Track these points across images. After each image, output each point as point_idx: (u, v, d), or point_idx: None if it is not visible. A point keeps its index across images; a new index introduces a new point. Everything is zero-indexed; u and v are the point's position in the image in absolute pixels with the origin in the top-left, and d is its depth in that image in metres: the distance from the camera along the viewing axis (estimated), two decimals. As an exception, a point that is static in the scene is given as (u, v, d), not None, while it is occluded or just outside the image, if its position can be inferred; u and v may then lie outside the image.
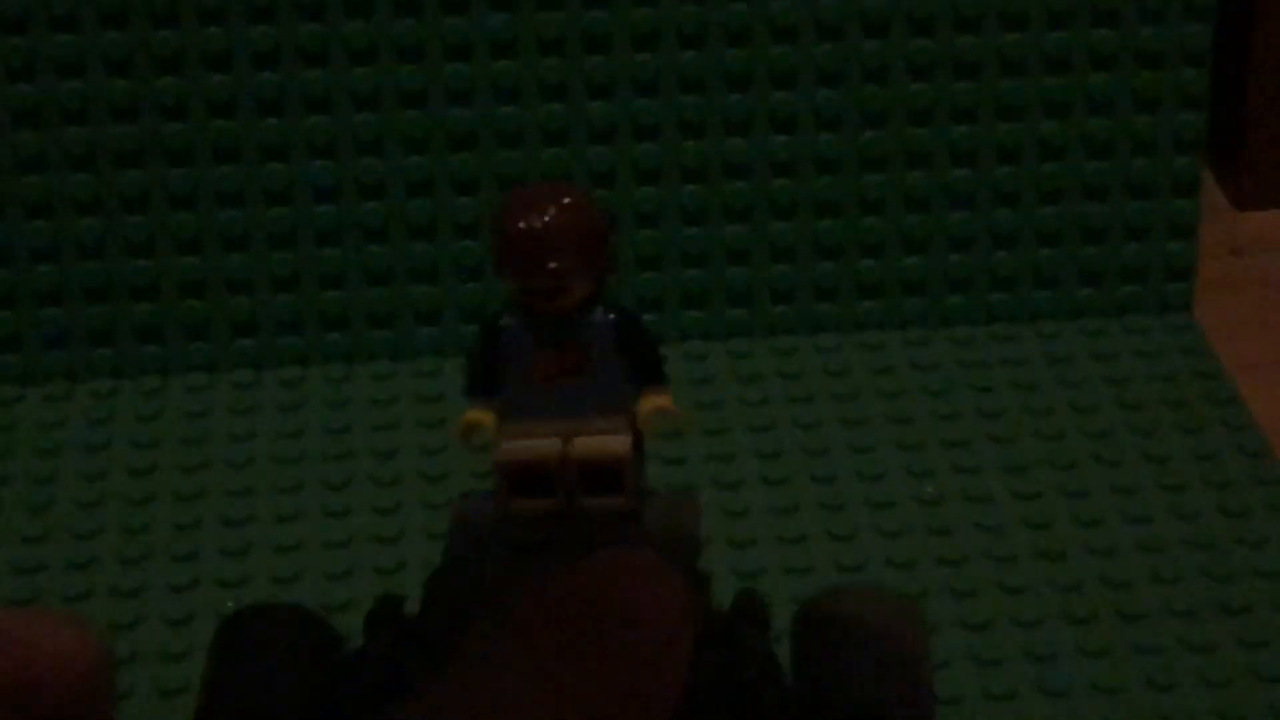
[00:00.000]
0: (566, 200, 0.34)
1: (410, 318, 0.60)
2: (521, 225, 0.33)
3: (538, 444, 0.35)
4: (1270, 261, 0.69)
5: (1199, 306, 0.64)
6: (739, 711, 0.34)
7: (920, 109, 0.59)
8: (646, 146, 0.59)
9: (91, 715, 0.37)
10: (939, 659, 0.47)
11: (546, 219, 0.33)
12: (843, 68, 0.58)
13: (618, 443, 0.35)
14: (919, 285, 0.62)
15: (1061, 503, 0.55)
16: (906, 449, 0.56)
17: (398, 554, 0.52)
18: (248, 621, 0.37)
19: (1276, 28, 0.69)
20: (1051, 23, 0.60)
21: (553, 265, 0.33)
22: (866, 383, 0.60)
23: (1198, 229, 0.62)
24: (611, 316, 0.35)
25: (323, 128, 0.58)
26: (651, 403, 0.35)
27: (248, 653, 0.37)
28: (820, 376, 0.60)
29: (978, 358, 0.62)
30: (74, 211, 0.58)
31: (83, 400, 0.59)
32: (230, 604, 0.49)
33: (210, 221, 0.59)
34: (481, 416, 0.35)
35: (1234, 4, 0.65)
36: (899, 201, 0.60)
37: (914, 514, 0.53)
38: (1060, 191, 0.62)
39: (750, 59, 0.58)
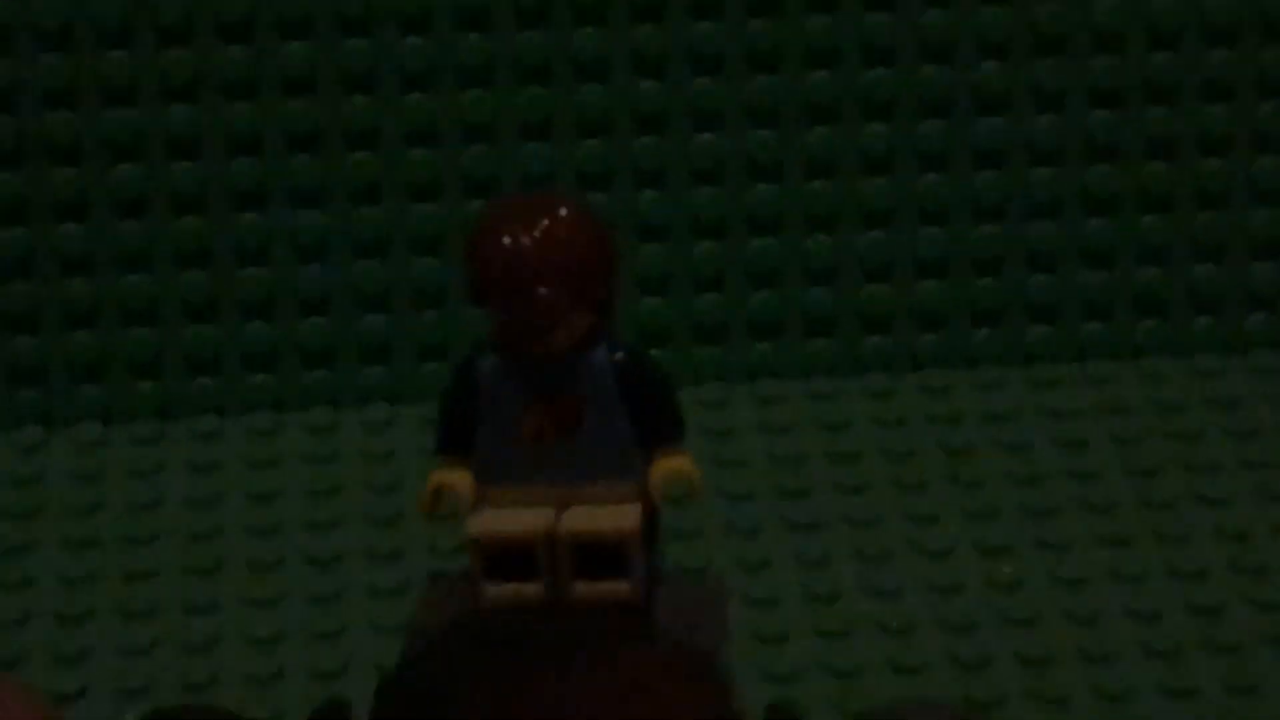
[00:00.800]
0: (562, 212, 0.32)
1: (354, 353, 0.55)
2: (505, 244, 0.31)
3: (522, 515, 0.33)
4: None
5: None
6: None
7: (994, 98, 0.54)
8: (648, 141, 0.54)
9: None
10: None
11: (536, 236, 0.31)
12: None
13: (622, 515, 0.32)
14: (993, 314, 0.56)
15: (1170, 585, 0.48)
16: (977, 519, 0.50)
17: (339, 653, 0.46)
18: None
19: None
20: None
21: (542, 293, 0.31)
22: (924, 433, 0.53)
23: None
24: (618, 356, 0.33)
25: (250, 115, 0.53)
26: (666, 465, 0.33)
27: None
28: (868, 427, 0.54)
29: (1067, 404, 0.56)
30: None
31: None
32: (130, 716, 0.44)
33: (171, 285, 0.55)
34: (454, 479, 0.33)
35: None
36: (967, 215, 0.55)
37: (987, 600, 0.47)
38: (1186, 220, 0.56)
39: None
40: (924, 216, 0.58)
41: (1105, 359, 0.60)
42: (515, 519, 0.33)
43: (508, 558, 0.33)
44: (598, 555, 0.33)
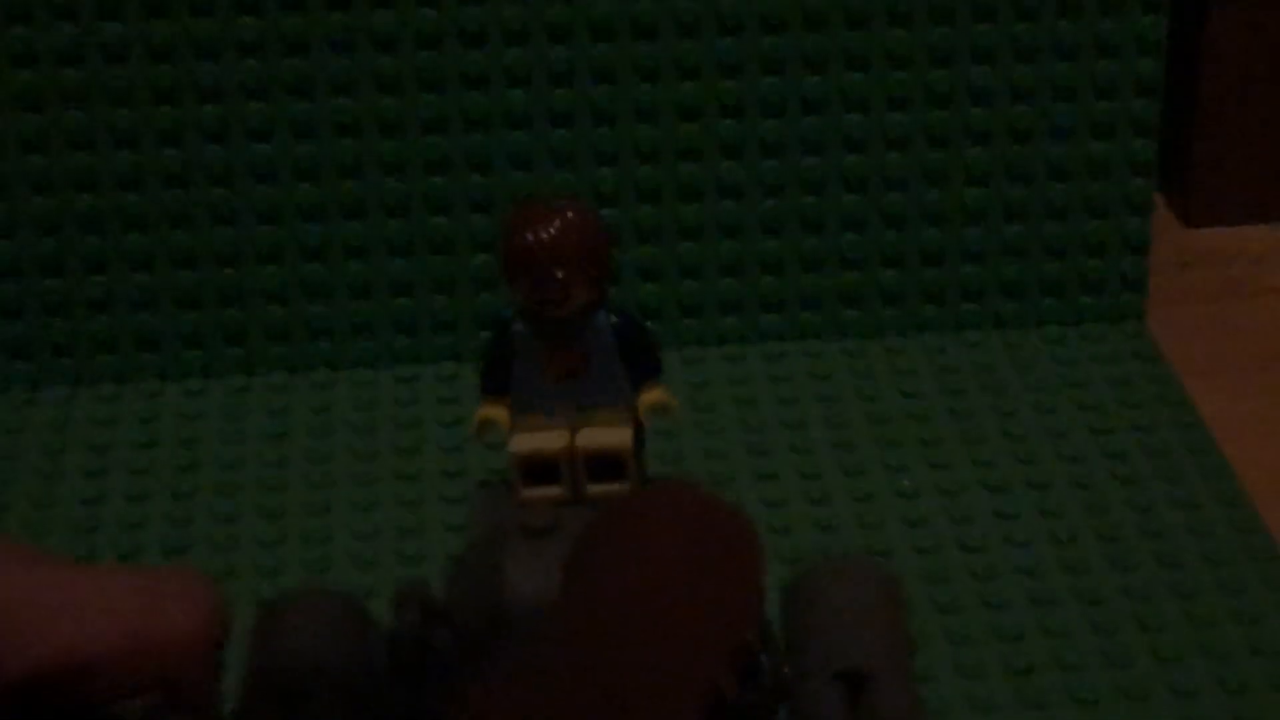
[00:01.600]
0: (570, 214, 0.34)
1: (430, 326, 0.60)
2: (529, 238, 0.33)
3: (546, 437, 0.35)
4: (1214, 274, 0.69)
5: (1150, 316, 0.64)
6: (743, 674, 0.34)
7: (897, 137, 0.59)
8: (646, 170, 0.59)
9: (203, 679, 0.36)
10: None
11: (552, 232, 0.33)
12: (826, 95, 0.58)
13: (619, 434, 0.35)
14: (896, 296, 0.62)
15: (1027, 495, 0.55)
16: (884, 445, 0.56)
17: (420, 545, 0.52)
18: (287, 606, 0.37)
19: (1218, 68, 0.68)
20: (1019, 56, 0.59)
21: (559, 275, 0.33)
22: (848, 385, 0.59)
23: (1149, 245, 0.63)
24: (613, 319, 0.35)
25: (352, 150, 0.58)
26: (650, 396, 0.35)
27: (287, 635, 0.37)
28: (806, 380, 0.60)
29: (950, 363, 0.61)
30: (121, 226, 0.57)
31: (133, 402, 0.59)
32: (268, 592, 0.48)
33: (249, 235, 0.58)
34: (495, 413, 0.35)
35: (1181, 43, 0.65)
36: (879, 220, 0.60)
37: (891, 506, 0.53)
38: (1026, 211, 0.62)
39: (741, 90, 0.58)
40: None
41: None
42: (543, 440, 0.35)
43: (539, 468, 0.35)
44: (603, 465, 0.35)
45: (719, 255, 0.60)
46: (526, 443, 0.35)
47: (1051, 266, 0.63)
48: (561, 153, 0.59)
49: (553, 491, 0.35)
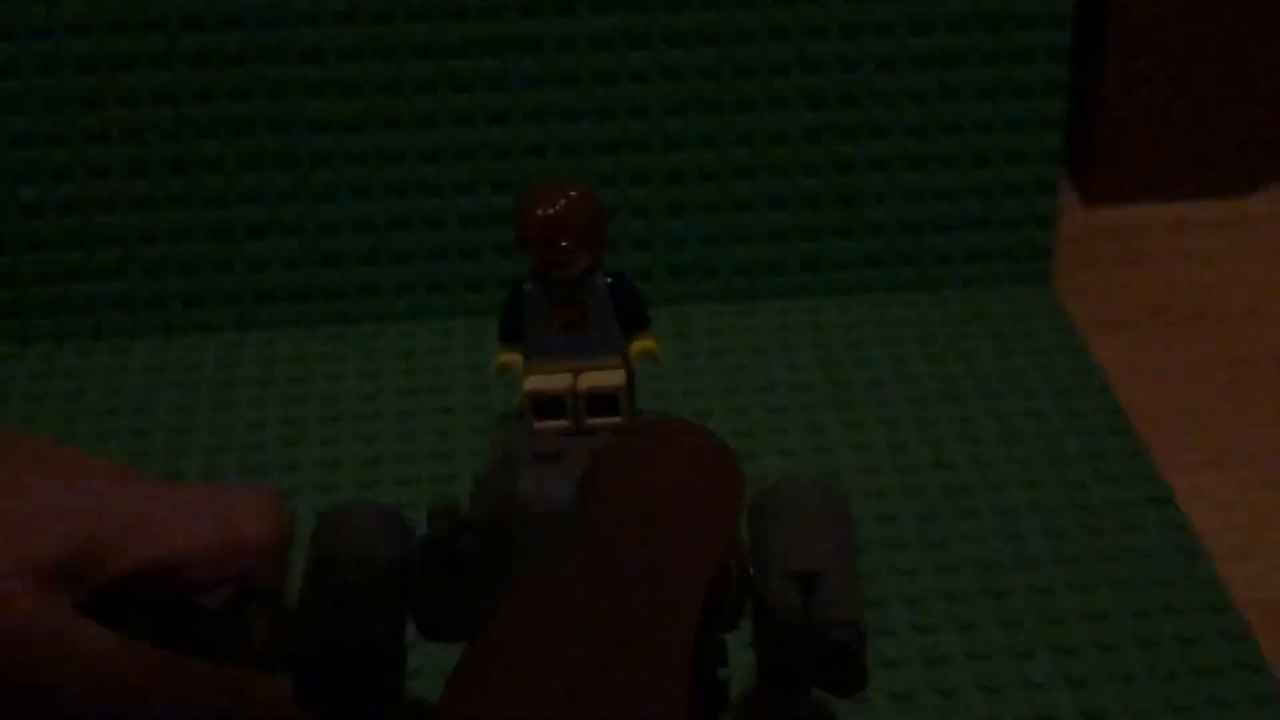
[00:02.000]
0: (573, 194, 0.34)
1: (461, 286, 0.63)
2: (539, 213, 0.34)
3: (553, 378, 0.35)
4: (1110, 246, 0.70)
5: (1056, 279, 0.65)
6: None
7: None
8: (640, 158, 0.62)
9: (273, 576, 0.38)
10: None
11: (558, 208, 0.34)
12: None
13: (614, 377, 0.35)
14: (845, 263, 0.64)
15: (952, 426, 0.57)
16: (836, 386, 0.59)
17: (451, 467, 0.55)
18: (341, 516, 0.38)
19: (1117, 61, 0.69)
20: (946, 63, 0.62)
21: (563, 244, 0.34)
22: (804, 340, 0.62)
23: (1056, 220, 0.64)
24: (608, 280, 0.35)
25: (396, 141, 0.60)
26: (639, 344, 0.36)
27: (342, 540, 0.37)
28: (771, 333, 0.62)
29: (893, 318, 0.63)
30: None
31: (216, 349, 0.62)
32: (325, 506, 0.47)
33: (312, 212, 0.61)
34: (511, 358, 0.36)
35: (1084, 41, 0.66)
36: (831, 198, 0.63)
37: (839, 437, 0.56)
38: (953, 193, 0.64)
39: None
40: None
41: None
42: (551, 381, 0.35)
43: (547, 404, 0.35)
44: (600, 402, 0.35)
45: (697, 228, 0.63)
46: (536, 383, 0.35)
47: (974, 238, 0.64)
48: (569, 143, 0.61)
49: (559, 423, 0.36)
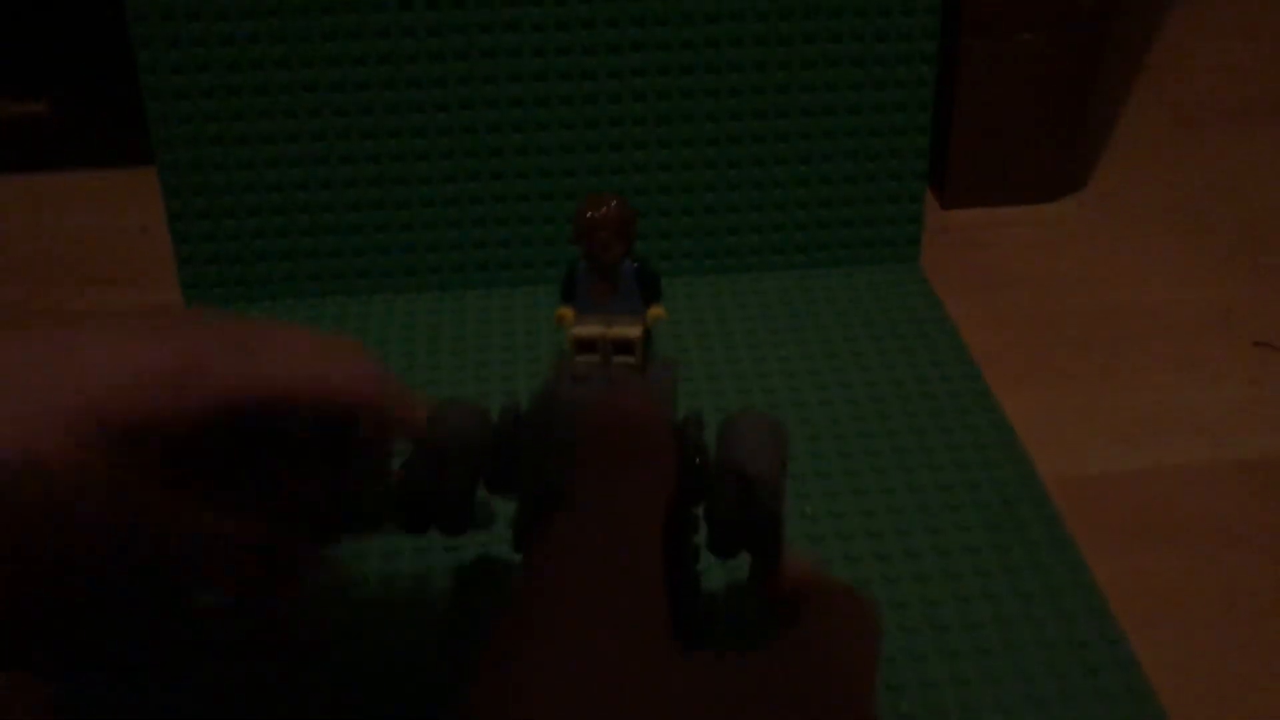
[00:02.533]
0: (614, 204, 0.37)
1: (542, 264, 0.67)
2: (589, 216, 0.37)
3: (591, 329, 0.37)
4: (960, 238, 0.74)
5: (924, 259, 0.69)
6: (691, 471, 0.36)
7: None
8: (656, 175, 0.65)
9: (378, 432, 0.36)
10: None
11: (602, 213, 0.37)
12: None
13: (633, 331, 0.37)
14: (758, 248, 0.68)
15: (843, 360, 0.61)
16: (768, 348, 0.63)
17: (517, 385, 0.60)
18: (442, 410, 0.39)
19: (971, 92, 0.72)
20: (831, 89, 0.64)
21: (603, 235, 0.37)
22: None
23: (922, 217, 0.68)
24: (635, 264, 0.38)
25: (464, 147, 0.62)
26: (654, 312, 0.38)
27: (442, 425, 0.39)
28: (741, 301, 0.66)
29: (801, 290, 0.67)
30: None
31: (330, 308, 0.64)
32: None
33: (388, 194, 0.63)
34: (566, 313, 0.38)
35: (943, 67, 0.69)
36: (750, 184, 0.66)
37: (782, 392, 0.60)
38: (850, 198, 0.67)
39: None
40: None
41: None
42: (589, 330, 0.37)
43: (585, 345, 0.37)
44: (623, 346, 0.37)
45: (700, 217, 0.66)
46: (580, 331, 0.37)
47: (860, 229, 0.68)
48: (600, 165, 0.64)
49: (592, 358, 0.38)
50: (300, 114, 0.62)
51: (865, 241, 0.69)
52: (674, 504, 0.31)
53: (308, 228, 0.64)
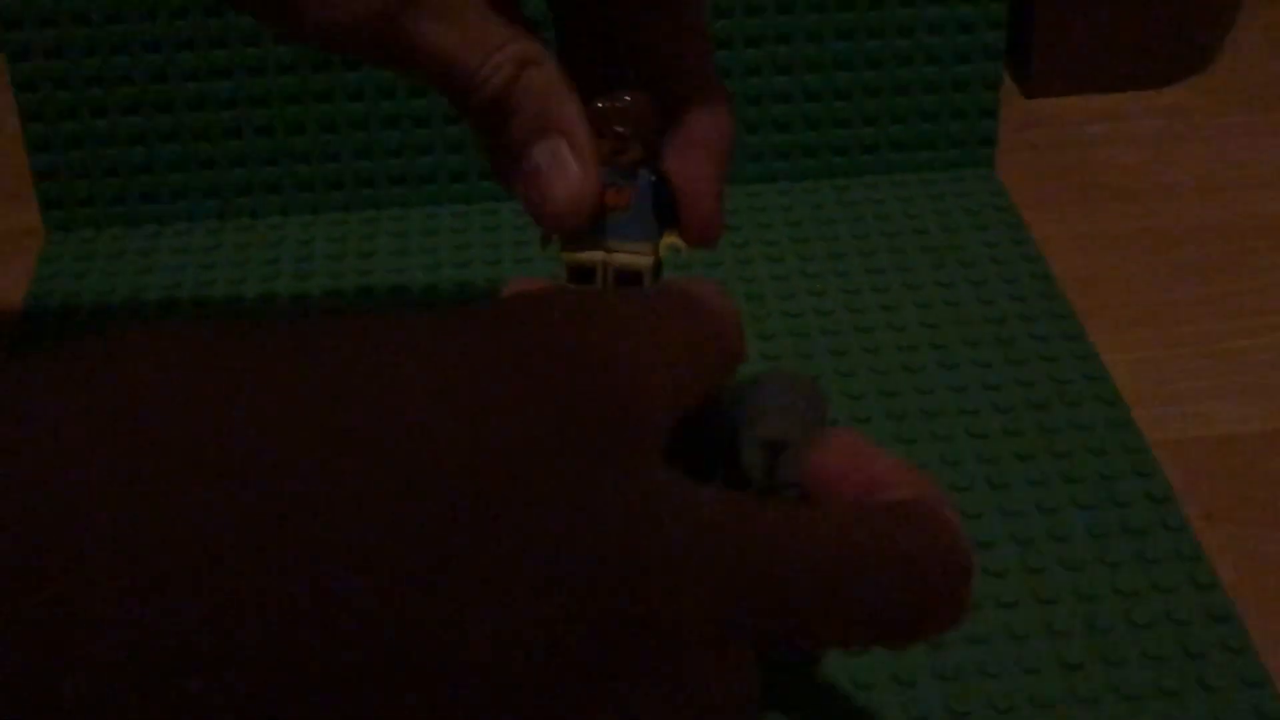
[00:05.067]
0: (632, 96, 0.35)
1: (475, 176, 0.62)
2: (601, 105, 0.35)
3: (592, 254, 0.36)
4: (1047, 136, 0.69)
5: (999, 163, 0.64)
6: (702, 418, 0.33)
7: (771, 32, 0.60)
8: None
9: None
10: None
11: (619, 104, 0.35)
12: None
13: (641, 260, 0.36)
14: (814, 147, 0.63)
15: (906, 294, 0.56)
16: (809, 277, 0.58)
17: None
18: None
19: None
20: None
21: (619, 129, 0.35)
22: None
23: (999, 111, 0.63)
24: (652, 178, 0.36)
25: None
26: (668, 239, 0.36)
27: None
28: (778, 212, 0.61)
29: (852, 200, 0.62)
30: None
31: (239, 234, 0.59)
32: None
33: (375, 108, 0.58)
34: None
35: None
36: (800, 92, 0.61)
37: (814, 323, 0.56)
38: (908, 86, 0.62)
39: None
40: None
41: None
42: (589, 254, 0.36)
43: (583, 273, 0.36)
44: (628, 277, 0.36)
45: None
46: (576, 255, 0.36)
47: (925, 127, 0.63)
48: None
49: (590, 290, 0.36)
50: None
51: (924, 141, 0.64)
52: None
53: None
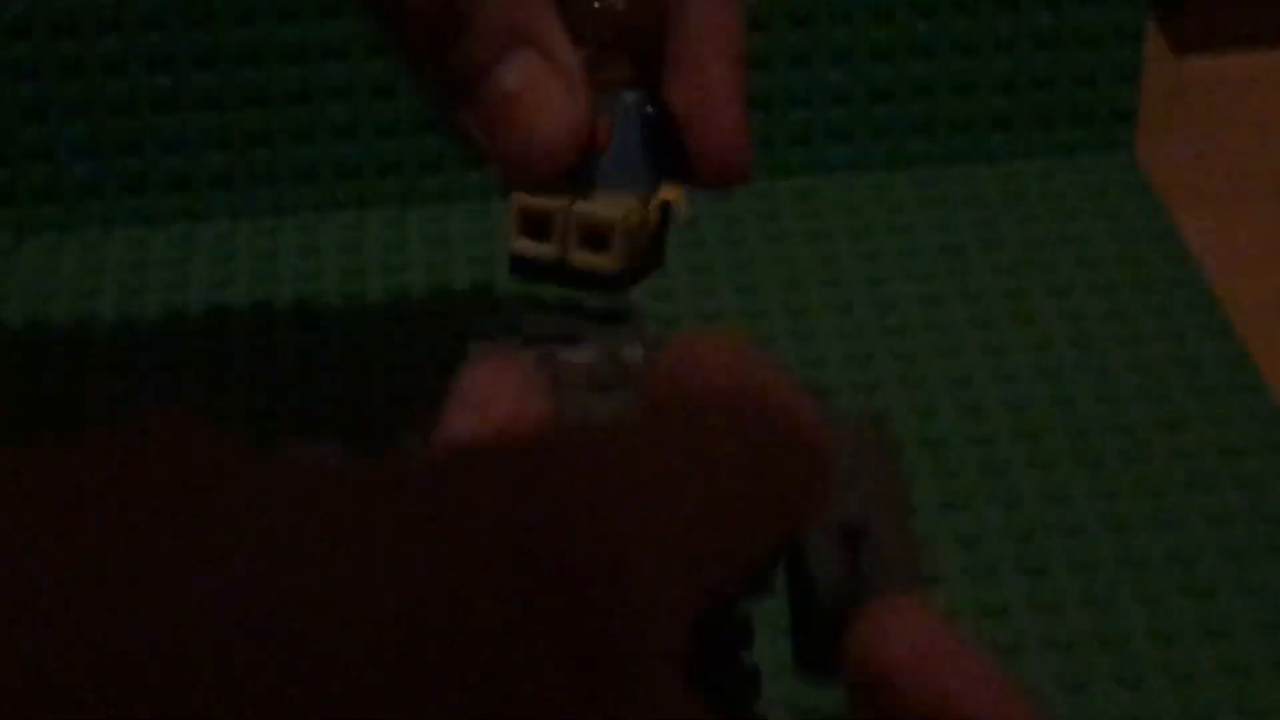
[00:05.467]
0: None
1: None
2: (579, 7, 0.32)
3: (551, 201, 0.32)
4: (1205, 104, 0.64)
5: (1140, 146, 0.60)
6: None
7: None
8: None
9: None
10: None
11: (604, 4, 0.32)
12: None
13: (611, 212, 0.32)
14: (886, 130, 0.59)
15: (1014, 329, 0.53)
16: (873, 283, 0.54)
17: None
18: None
19: None
20: None
21: (595, 39, 0.32)
22: (838, 220, 0.58)
23: (1140, 74, 0.59)
24: (648, 108, 0.33)
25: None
26: (668, 193, 0.33)
27: None
28: (794, 217, 0.57)
29: (940, 195, 0.58)
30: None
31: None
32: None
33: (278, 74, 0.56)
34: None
35: None
36: (866, 53, 0.58)
37: (879, 341, 0.53)
38: (1014, 42, 0.58)
39: None
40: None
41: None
42: (542, 201, 0.33)
43: (535, 224, 0.33)
44: (593, 236, 0.33)
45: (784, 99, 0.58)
46: (525, 200, 0.32)
47: (1040, 97, 0.60)
48: None
49: (542, 248, 0.32)
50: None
51: (1046, 117, 0.60)
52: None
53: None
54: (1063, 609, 0.45)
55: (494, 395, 0.26)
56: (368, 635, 0.17)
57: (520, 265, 0.33)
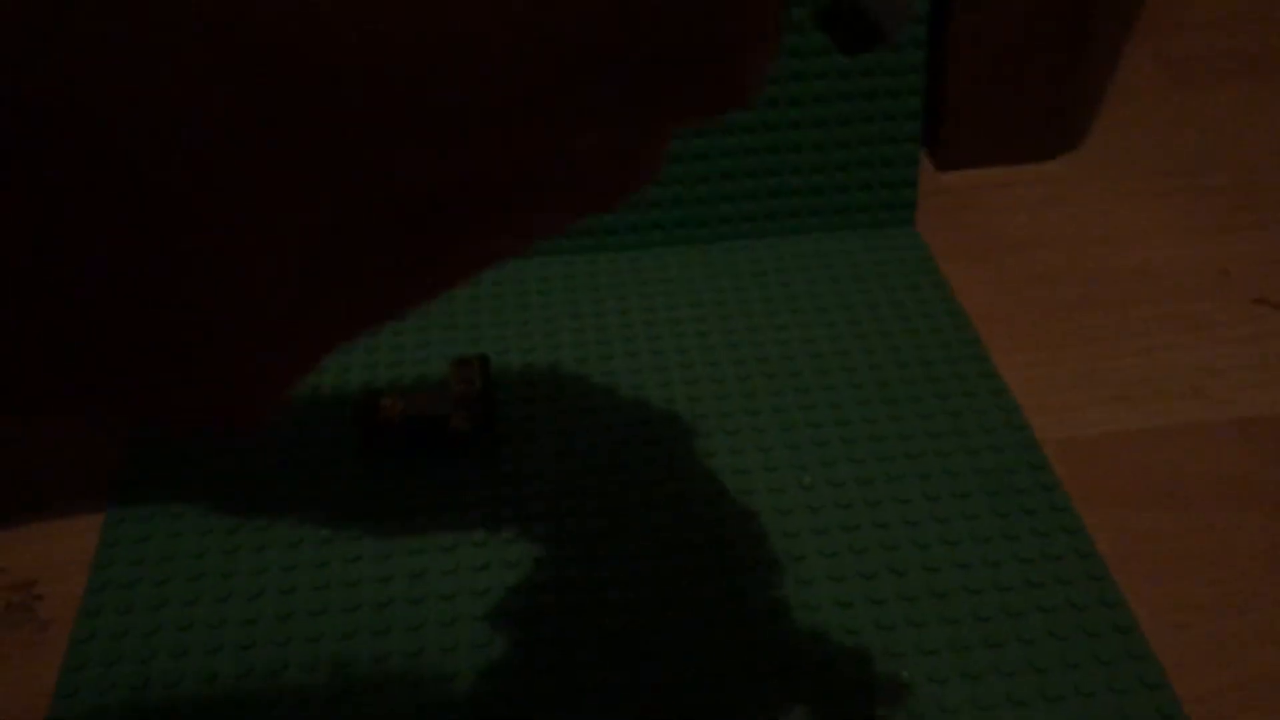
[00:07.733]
0: None
1: None
2: None
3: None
4: (955, 200, 0.73)
5: (919, 221, 0.70)
6: None
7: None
8: None
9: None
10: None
11: None
12: None
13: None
14: (752, 215, 0.66)
15: (840, 315, 0.62)
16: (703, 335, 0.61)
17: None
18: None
19: (963, 52, 0.70)
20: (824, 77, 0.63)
21: None
22: (698, 282, 0.64)
23: (917, 180, 0.67)
24: None
25: None
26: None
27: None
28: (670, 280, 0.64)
29: (777, 255, 0.66)
30: None
31: None
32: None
33: None
34: None
35: (934, 28, 0.69)
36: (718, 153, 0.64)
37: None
38: (825, 164, 0.66)
39: None
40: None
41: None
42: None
43: None
44: None
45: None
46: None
47: (859, 194, 0.67)
48: None
49: None
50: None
51: (860, 205, 0.68)
52: None
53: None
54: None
55: None
56: None
57: None
